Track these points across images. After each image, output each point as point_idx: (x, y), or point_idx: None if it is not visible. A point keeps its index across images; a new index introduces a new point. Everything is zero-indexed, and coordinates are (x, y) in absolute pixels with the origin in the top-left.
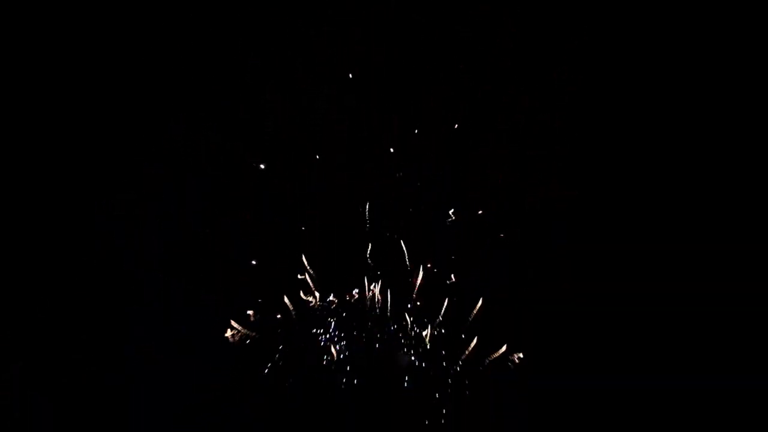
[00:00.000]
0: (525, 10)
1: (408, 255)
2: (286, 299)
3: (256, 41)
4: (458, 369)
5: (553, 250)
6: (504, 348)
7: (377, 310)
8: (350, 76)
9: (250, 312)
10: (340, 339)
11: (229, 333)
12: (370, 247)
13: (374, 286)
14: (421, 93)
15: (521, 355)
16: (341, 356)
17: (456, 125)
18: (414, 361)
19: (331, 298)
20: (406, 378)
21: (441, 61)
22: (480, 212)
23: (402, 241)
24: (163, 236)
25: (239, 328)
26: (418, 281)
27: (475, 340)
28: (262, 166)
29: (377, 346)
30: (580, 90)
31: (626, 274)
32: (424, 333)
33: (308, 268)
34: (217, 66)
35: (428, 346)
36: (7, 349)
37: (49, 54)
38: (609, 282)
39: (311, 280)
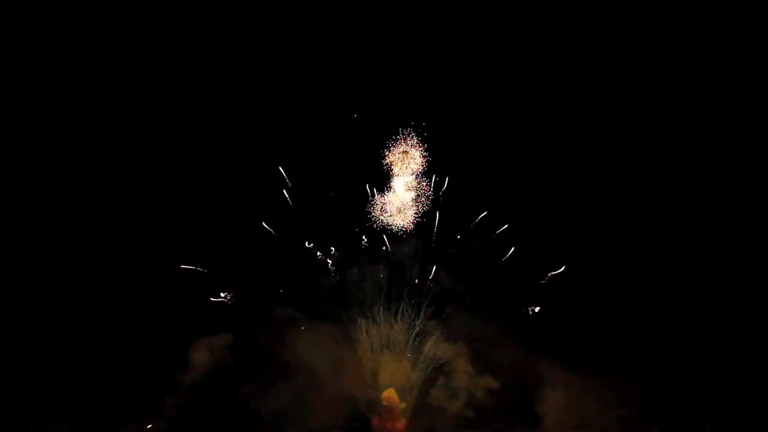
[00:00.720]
0: (525, 10)
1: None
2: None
3: (256, 41)
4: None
5: (552, 249)
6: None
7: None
8: (350, 76)
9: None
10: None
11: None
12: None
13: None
14: (421, 93)
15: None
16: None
17: (456, 125)
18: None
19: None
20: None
21: (441, 61)
22: (479, 213)
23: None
24: (163, 236)
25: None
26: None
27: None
28: (286, 194)
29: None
30: (580, 90)
31: (626, 274)
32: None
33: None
34: (217, 66)
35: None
36: (7, 349)
37: (50, 55)
38: (609, 282)
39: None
